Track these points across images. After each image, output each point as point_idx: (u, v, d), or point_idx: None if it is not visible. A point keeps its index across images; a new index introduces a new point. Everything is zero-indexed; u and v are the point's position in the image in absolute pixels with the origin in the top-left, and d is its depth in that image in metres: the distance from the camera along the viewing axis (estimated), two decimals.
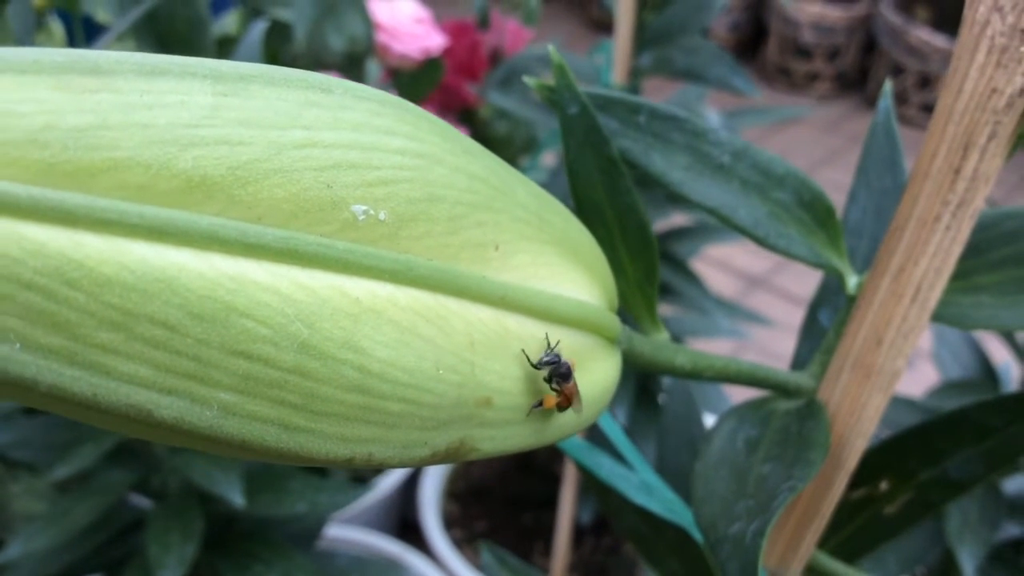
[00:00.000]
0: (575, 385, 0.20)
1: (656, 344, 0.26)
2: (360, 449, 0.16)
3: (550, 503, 1.02)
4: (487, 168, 0.18)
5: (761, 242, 0.28)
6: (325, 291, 0.15)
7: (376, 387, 0.16)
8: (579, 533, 1.02)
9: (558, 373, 0.19)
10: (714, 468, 0.29)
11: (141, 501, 0.73)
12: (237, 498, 0.61)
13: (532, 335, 0.19)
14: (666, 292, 0.86)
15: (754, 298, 1.64)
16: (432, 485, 1.04)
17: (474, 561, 0.98)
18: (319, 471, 0.96)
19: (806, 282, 1.66)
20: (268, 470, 0.71)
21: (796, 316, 1.43)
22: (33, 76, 0.13)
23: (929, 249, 0.26)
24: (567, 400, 0.20)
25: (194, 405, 0.14)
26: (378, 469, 1.05)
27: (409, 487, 1.06)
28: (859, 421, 0.29)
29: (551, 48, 0.25)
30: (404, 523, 1.11)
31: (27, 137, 0.12)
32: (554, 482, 1.02)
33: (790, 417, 0.30)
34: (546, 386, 0.19)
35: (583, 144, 0.26)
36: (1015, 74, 0.23)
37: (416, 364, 0.16)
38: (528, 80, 0.26)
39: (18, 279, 0.12)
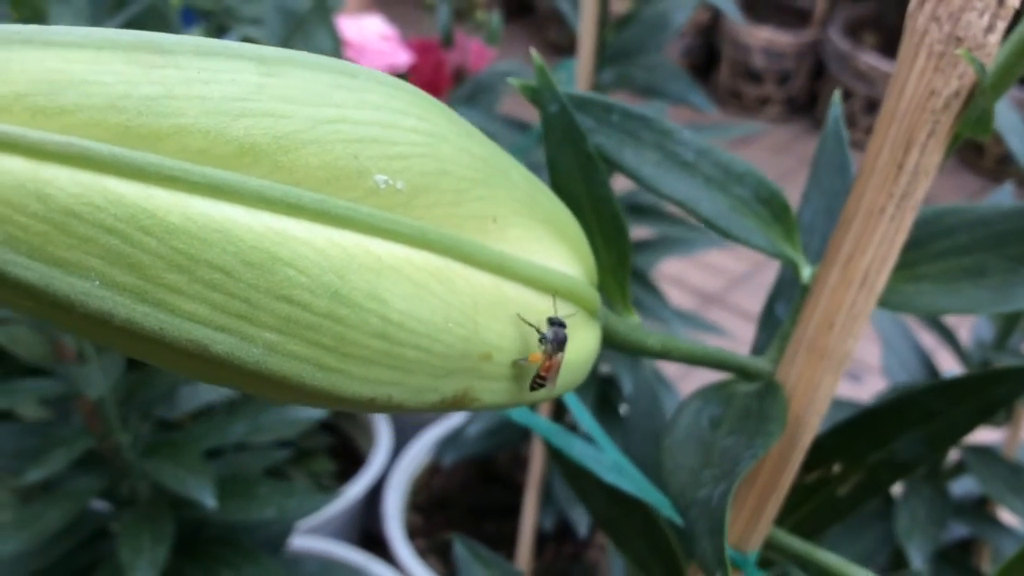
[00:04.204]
0: (561, 357, 0.22)
1: (629, 325, 0.29)
2: (381, 391, 0.18)
3: (512, 512, 1.04)
4: (485, 149, 0.21)
5: (724, 233, 0.31)
6: (353, 248, 0.17)
7: (395, 334, 0.18)
8: (541, 541, 1.04)
9: (557, 337, 0.21)
10: (681, 443, 0.31)
11: (110, 507, 0.74)
12: (209, 500, 0.62)
13: (527, 302, 0.21)
14: None
15: (709, 315, 1.67)
16: (395, 496, 1.05)
17: (439, 570, 1.00)
18: (285, 477, 0.97)
19: (758, 299, 1.70)
20: (237, 476, 0.72)
21: (749, 331, 1.47)
22: (109, 52, 0.15)
23: (875, 239, 0.29)
24: (547, 370, 0.22)
25: (243, 342, 0.16)
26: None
27: (372, 499, 1.07)
28: (813, 400, 0.32)
29: (533, 51, 0.27)
30: (367, 535, 1.11)
31: (108, 103, 0.14)
32: (516, 491, 1.04)
33: (750, 397, 0.32)
34: (536, 348, 0.22)
35: (562, 140, 0.28)
36: (951, 78, 0.26)
37: (429, 316, 0.18)
38: (512, 80, 0.28)
39: (101, 224, 0.14)
